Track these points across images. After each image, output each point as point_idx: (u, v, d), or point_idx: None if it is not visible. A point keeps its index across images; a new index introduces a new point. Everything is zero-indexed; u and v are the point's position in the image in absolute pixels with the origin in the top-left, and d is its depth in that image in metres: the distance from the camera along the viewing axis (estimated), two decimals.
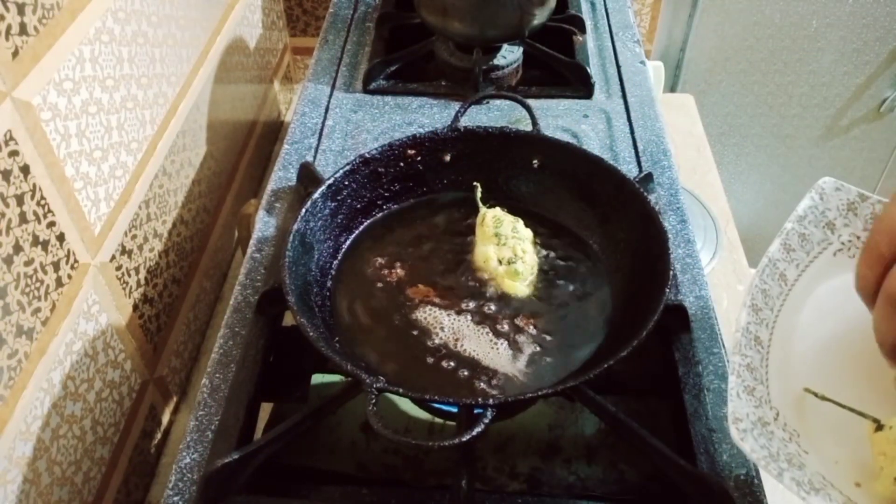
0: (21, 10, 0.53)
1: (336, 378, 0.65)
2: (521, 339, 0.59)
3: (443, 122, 0.85)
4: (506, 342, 0.58)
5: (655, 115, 0.86)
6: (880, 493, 0.43)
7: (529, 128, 0.72)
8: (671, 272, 0.56)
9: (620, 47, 0.98)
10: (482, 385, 0.56)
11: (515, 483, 0.58)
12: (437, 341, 0.58)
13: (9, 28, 0.52)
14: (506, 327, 0.59)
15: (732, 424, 0.43)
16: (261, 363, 0.61)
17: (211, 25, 0.92)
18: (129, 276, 0.72)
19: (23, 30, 0.54)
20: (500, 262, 0.63)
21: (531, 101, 0.74)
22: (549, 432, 0.62)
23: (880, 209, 0.52)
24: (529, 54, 0.93)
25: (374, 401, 0.49)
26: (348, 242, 0.67)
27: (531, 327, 0.59)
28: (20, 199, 0.54)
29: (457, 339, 0.58)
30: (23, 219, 0.55)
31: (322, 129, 0.85)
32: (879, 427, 0.45)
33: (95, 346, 0.66)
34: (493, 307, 0.61)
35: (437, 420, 0.63)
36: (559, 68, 0.91)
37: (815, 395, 0.48)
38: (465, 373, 0.56)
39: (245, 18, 1.06)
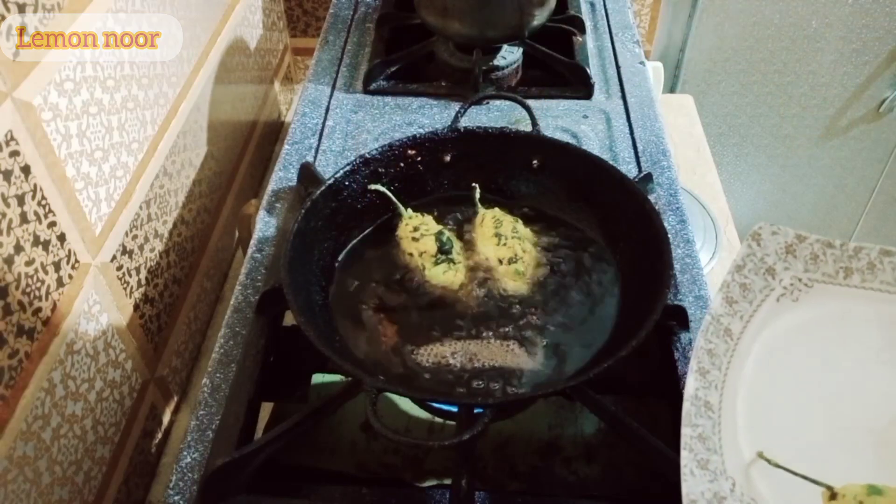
0: (22, 10, 0.53)
1: (336, 378, 0.65)
2: (529, 335, 0.59)
3: (443, 122, 0.86)
4: (516, 342, 0.58)
5: (655, 115, 0.86)
6: None
7: (529, 128, 0.72)
8: (671, 272, 0.56)
9: (620, 48, 0.99)
10: (513, 388, 0.56)
11: (515, 482, 0.59)
12: (455, 370, 0.57)
13: (9, 28, 0.52)
14: (511, 329, 0.59)
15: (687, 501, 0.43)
16: (261, 363, 0.61)
17: (211, 26, 0.92)
18: (130, 276, 0.72)
19: (23, 30, 0.54)
20: (500, 262, 0.64)
21: (531, 102, 0.75)
22: (549, 432, 0.62)
23: (819, 248, 0.52)
24: (529, 55, 0.93)
25: (373, 401, 0.49)
26: (348, 243, 0.67)
27: (535, 319, 0.59)
28: (21, 200, 0.54)
29: (470, 359, 0.58)
30: (24, 219, 0.55)
31: (322, 130, 0.85)
32: (833, 495, 0.44)
33: (96, 346, 0.66)
34: (493, 313, 0.61)
35: (437, 420, 0.63)
36: (559, 69, 0.91)
37: (769, 461, 0.47)
38: (496, 385, 0.56)
39: (245, 19, 1.06)
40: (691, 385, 0.47)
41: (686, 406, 0.46)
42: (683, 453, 0.45)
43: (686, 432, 0.46)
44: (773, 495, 0.45)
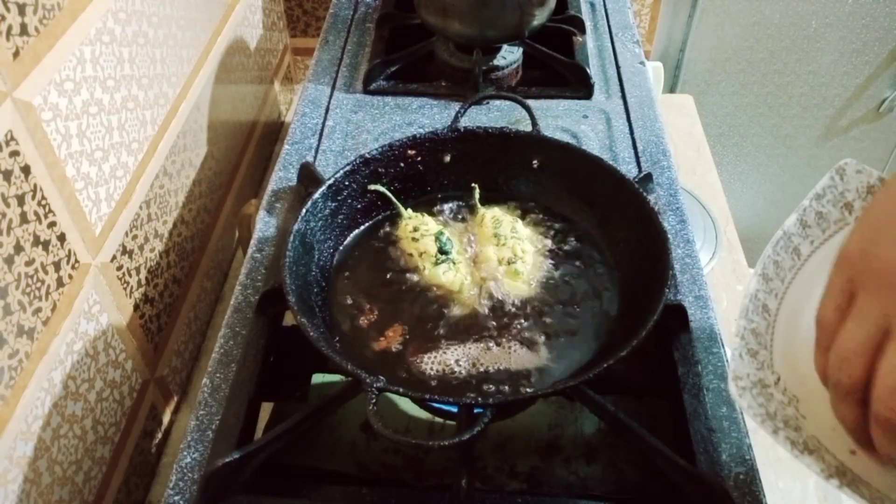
0: (22, 10, 0.53)
1: (336, 378, 0.65)
2: (530, 336, 0.59)
3: (443, 122, 0.86)
4: (518, 344, 0.58)
5: (655, 115, 0.86)
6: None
7: (529, 128, 0.72)
8: (671, 272, 0.56)
9: (620, 48, 0.99)
10: (524, 388, 0.56)
11: (515, 482, 0.59)
12: (461, 377, 0.57)
13: (10, 28, 0.52)
14: (512, 331, 0.59)
15: (732, 381, 0.43)
16: (261, 363, 0.61)
17: (211, 26, 0.92)
18: (130, 276, 0.72)
19: (24, 30, 0.54)
20: (499, 262, 0.64)
21: (531, 102, 0.74)
22: (549, 432, 0.62)
23: None
24: (529, 55, 0.93)
25: (374, 401, 0.49)
26: (348, 242, 0.67)
27: (535, 320, 0.59)
28: (21, 200, 0.54)
29: (474, 364, 0.58)
30: (24, 219, 0.55)
31: (322, 130, 0.85)
32: None
33: (96, 346, 0.66)
34: (493, 314, 0.61)
35: (437, 420, 0.63)
36: (559, 69, 0.91)
37: None
38: (505, 388, 0.56)
39: (245, 19, 1.06)
40: (753, 285, 0.48)
41: (745, 302, 0.47)
42: (736, 340, 0.46)
43: (741, 324, 0.47)
44: (818, 398, 0.46)
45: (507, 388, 0.56)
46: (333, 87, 0.92)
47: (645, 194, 0.63)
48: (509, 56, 0.92)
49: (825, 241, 0.51)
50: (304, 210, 0.62)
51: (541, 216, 0.69)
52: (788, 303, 0.49)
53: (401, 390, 0.53)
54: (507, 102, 0.87)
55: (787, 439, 0.42)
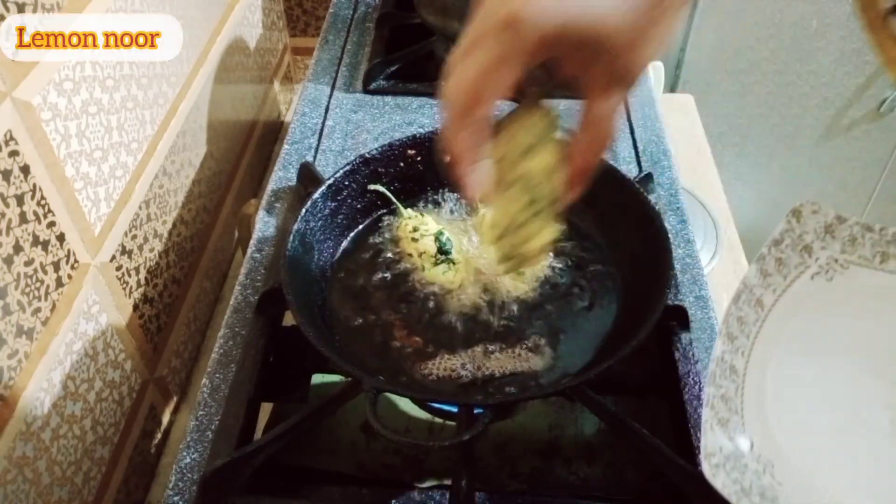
0: (21, 10, 0.53)
1: (336, 378, 0.65)
2: (530, 336, 0.59)
3: None
4: (519, 345, 0.58)
5: (655, 115, 0.86)
6: None
7: None
8: (671, 272, 0.56)
9: None
10: (524, 388, 0.56)
11: (515, 483, 0.58)
12: (466, 382, 0.56)
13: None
14: (512, 332, 0.59)
15: (705, 459, 0.43)
16: (261, 363, 0.61)
17: (211, 25, 0.92)
18: (130, 276, 0.72)
19: None
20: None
21: None
22: (549, 432, 0.62)
23: (858, 231, 0.52)
24: None
25: (373, 401, 0.49)
26: (348, 242, 0.67)
27: (535, 320, 0.59)
28: (20, 200, 0.54)
29: (479, 367, 0.57)
30: (23, 219, 0.55)
31: (322, 130, 0.85)
32: None
33: (95, 346, 0.66)
34: (494, 315, 0.61)
35: (437, 420, 0.63)
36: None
37: None
38: (507, 388, 0.56)
39: (245, 18, 1.06)
40: (718, 348, 0.48)
41: (711, 367, 0.47)
42: (705, 410, 0.45)
43: (710, 391, 0.46)
44: (792, 458, 0.46)
45: (507, 388, 0.55)
46: (333, 87, 0.92)
47: (645, 194, 0.63)
48: None
49: (787, 288, 0.51)
50: (303, 210, 0.62)
51: None
52: (756, 359, 0.49)
53: (400, 390, 0.53)
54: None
55: None
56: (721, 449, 0.44)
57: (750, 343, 0.49)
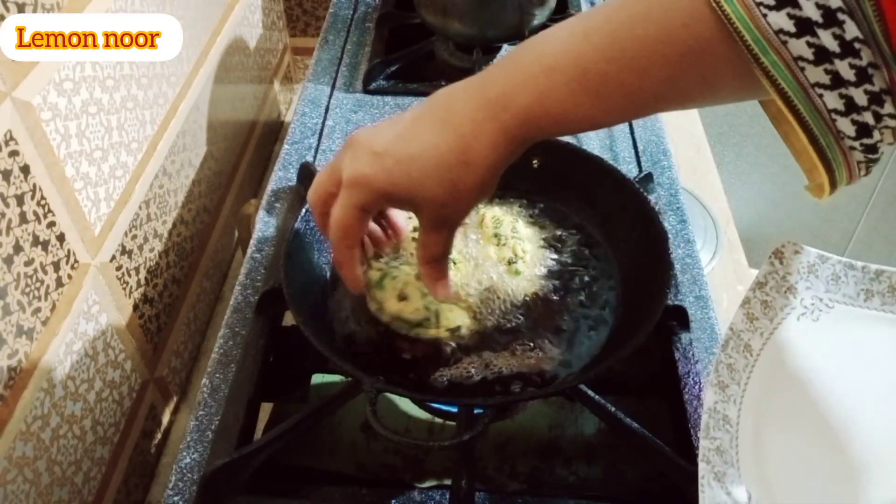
0: (21, 10, 0.53)
1: (336, 378, 0.65)
2: (530, 336, 0.58)
3: None
4: (518, 345, 0.58)
5: (655, 115, 0.86)
6: None
7: None
8: (671, 272, 0.56)
9: None
10: (524, 388, 0.55)
11: (515, 483, 0.58)
12: (475, 380, 0.56)
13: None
14: (512, 332, 0.59)
15: None
16: (261, 363, 0.61)
17: (211, 25, 0.92)
18: (130, 276, 0.72)
19: None
20: (500, 262, 0.63)
21: None
22: (549, 432, 0.62)
23: (841, 269, 0.52)
24: None
25: (373, 401, 0.49)
26: None
27: (535, 321, 0.59)
28: (20, 199, 0.54)
29: (487, 365, 0.57)
30: (23, 219, 0.55)
31: (322, 129, 0.85)
32: None
33: (95, 346, 0.66)
34: (494, 315, 0.61)
35: (437, 420, 0.63)
36: None
37: None
38: (508, 388, 0.55)
39: (245, 18, 1.06)
40: (710, 398, 0.48)
41: (704, 418, 0.47)
42: (701, 465, 0.45)
43: (704, 444, 0.46)
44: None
45: (508, 388, 0.55)
46: (333, 87, 0.92)
47: (645, 194, 0.63)
48: None
49: (774, 330, 0.51)
50: (303, 210, 0.62)
51: (541, 216, 0.69)
52: (748, 406, 0.49)
53: (400, 391, 0.53)
54: None
55: None
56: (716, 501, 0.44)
57: (741, 390, 0.49)
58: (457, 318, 0.57)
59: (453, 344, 0.57)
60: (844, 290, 0.52)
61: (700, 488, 0.44)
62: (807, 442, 0.48)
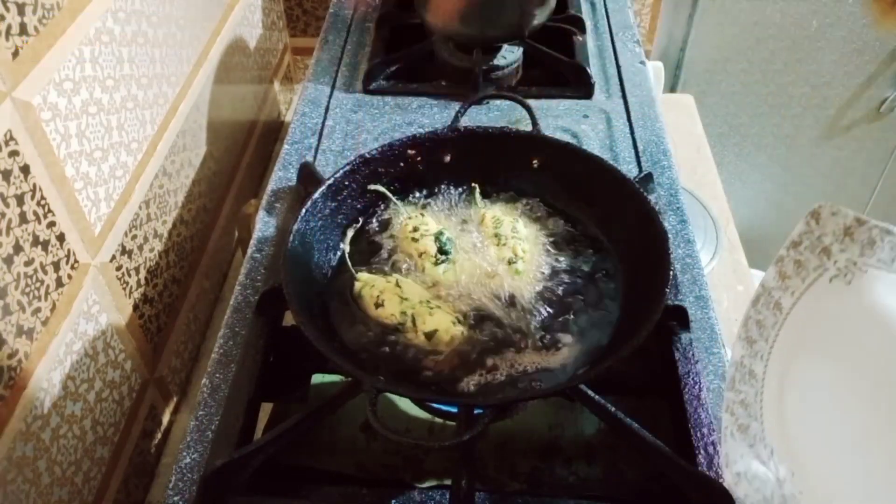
0: (21, 10, 0.53)
1: (336, 378, 0.65)
2: (529, 336, 0.59)
3: (443, 122, 0.85)
4: (517, 344, 0.58)
5: (655, 115, 0.86)
6: None
7: (529, 128, 0.72)
8: (671, 272, 0.56)
9: (620, 47, 0.98)
10: (524, 388, 0.56)
11: (515, 483, 0.58)
12: (475, 381, 0.56)
13: (9, 28, 0.52)
14: (511, 332, 0.59)
15: (726, 468, 0.43)
16: (261, 363, 0.61)
17: (211, 26, 0.92)
18: (130, 276, 0.72)
19: (23, 30, 0.54)
20: (500, 262, 0.63)
21: (531, 102, 0.74)
22: (549, 432, 0.62)
23: (878, 234, 0.52)
24: (529, 54, 0.93)
25: (374, 401, 0.49)
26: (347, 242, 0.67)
27: (535, 321, 0.59)
28: (20, 199, 0.54)
29: (486, 366, 0.57)
30: (23, 219, 0.55)
31: (322, 129, 0.85)
32: None
33: (95, 346, 0.66)
34: (494, 315, 0.61)
35: (437, 420, 0.63)
36: (559, 68, 0.91)
37: None
38: (509, 388, 0.56)
39: (245, 19, 1.06)
40: (738, 352, 0.47)
41: (731, 371, 0.47)
42: (725, 416, 0.45)
43: (729, 396, 0.46)
44: (811, 465, 0.45)
45: (508, 389, 0.55)
46: (333, 87, 0.92)
47: (645, 194, 0.63)
48: (509, 56, 0.92)
49: (806, 291, 0.50)
50: (303, 210, 0.62)
51: (541, 216, 0.69)
52: (775, 363, 0.49)
53: (400, 391, 0.53)
54: (508, 102, 0.87)
55: None
56: (742, 456, 0.44)
57: (769, 347, 0.49)
58: (434, 323, 0.58)
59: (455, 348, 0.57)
60: (879, 255, 0.51)
61: (723, 439, 0.44)
62: (832, 402, 0.48)
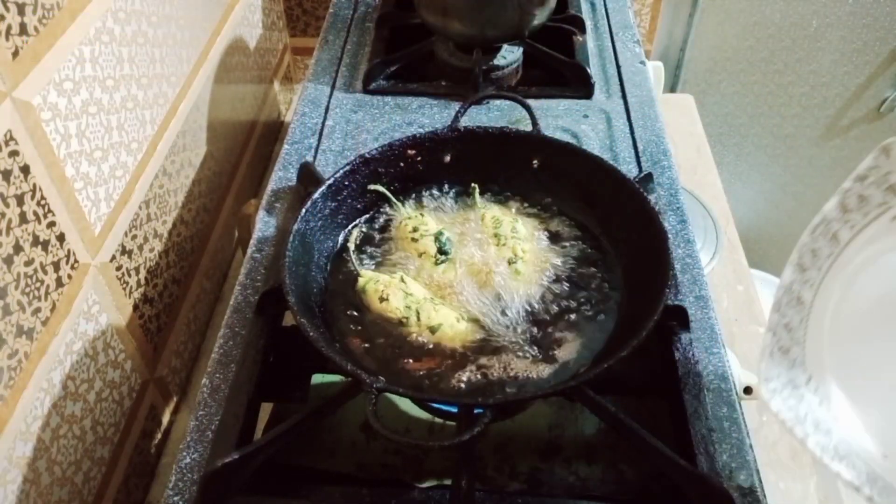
0: (21, 10, 0.53)
1: (336, 378, 0.65)
2: (529, 336, 0.59)
3: (443, 122, 0.85)
4: (518, 344, 0.58)
5: (655, 115, 0.86)
6: None
7: (529, 128, 0.72)
8: (671, 272, 0.56)
9: (620, 47, 0.98)
10: (525, 388, 0.56)
11: (515, 483, 0.58)
12: (475, 381, 0.56)
13: (9, 28, 0.52)
14: (511, 331, 0.59)
15: (763, 383, 0.42)
16: (261, 363, 0.61)
17: (211, 25, 0.92)
18: (130, 276, 0.72)
19: (23, 30, 0.54)
20: (499, 262, 0.63)
21: (531, 102, 0.74)
22: (549, 432, 0.62)
23: None
24: (529, 54, 0.93)
25: (374, 401, 0.49)
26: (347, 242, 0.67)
27: (535, 321, 0.59)
28: (20, 200, 0.54)
29: (486, 367, 0.57)
30: (23, 219, 0.55)
31: (322, 129, 0.85)
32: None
33: (95, 346, 0.66)
34: (494, 315, 0.61)
35: (437, 420, 0.63)
36: (559, 68, 0.91)
37: None
38: (509, 388, 0.56)
39: (245, 18, 1.06)
40: (788, 276, 0.47)
41: (779, 294, 0.46)
42: (768, 335, 0.45)
43: (774, 318, 0.45)
44: (848, 398, 0.45)
45: (508, 389, 0.55)
46: (333, 87, 0.92)
47: (645, 194, 0.63)
48: (509, 55, 0.92)
49: (866, 226, 0.48)
50: (303, 210, 0.62)
51: (541, 216, 0.69)
52: (824, 293, 0.48)
53: (401, 391, 0.53)
54: (508, 102, 0.87)
55: (817, 444, 0.41)
56: (778, 375, 0.44)
57: (821, 276, 0.48)
58: (439, 318, 0.58)
59: (457, 347, 0.57)
60: None
61: (761, 357, 0.44)
62: (880, 338, 0.47)
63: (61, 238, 0.60)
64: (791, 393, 0.43)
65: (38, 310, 0.57)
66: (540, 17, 0.88)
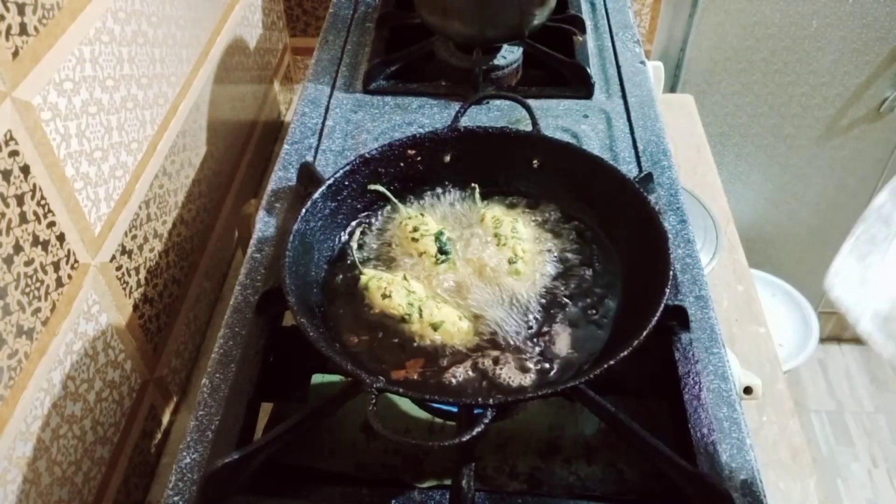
0: (21, 10, 0.53)
1: (336, 378, 0.65)
2: (529, 336, 0.59)
3: (443, 122, 0.85)
4: (518, 344, 0.58)
5: (655, 115, 0.86)
6: None
7: (529, 128, 0.72)
8: (671, 272, 0.56)
9: (620, 47, 0.98)
10: (525, 388, 0.56)
11: (515, 483, 0.58)
12: (475, 381, 0.56)
13: (9, 28, 0.52)
14: (511, 332, 0.59)
15: (832, 275, 0.44)
16: (261, 363, 0.61)
17: (211, 25, 0.92)
18: (130, 276, 0.72)
19: (23, 30, 0.54)
20: (499, 261, 0.63)
21: (531, 102, 0.74)
22: (549, 432, 0.62)
23: None
24: (529, 54, 0.93)
25: (374, 401, 0.49)
26: (347, 242, 0.67)
27: (535, 320, 0.59)
28: (20, 200, 0.54)
29: (486, 366, 0.57)
30: (23, 219, 0.55)
31: (322, 129, 0.85)
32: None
33: (95, 346, 0.66)
34: (493, 316, 0.61)
35: (437, 420, 0.63)
36: (559, 68, 0.91)
37: None
38: (518, 387, 0.56)
39: (245, 18, 1.06)
40: (882, 196, 0.48)
41: (866, 212, 0.47)
42: (849, 240, 0.46)
43: (860, 227, 0.46)
44: None
45: (509, 389, 0.55)
46: (333, 87, 0.92)
47: (645, 194, 0.63)
48: (509, 55, 0.92)
49: None
50: (303, 210, 0.62)
51: (541, 216, 0.69)
52: None
53: (400, 391, 0.53)
54: (508, 102, 0.87)
55: (865, 331, 0.42)
56: (849, 269, 0.45)
57: None
58: (441, 315, 0.58)
59: (457, 346, 0.57)
60: None
61: (838, 255, 0.45)
62: None
63: (61, 238, 0.60)
64: (856, 288, 0.44)
65: (38, 310, 0.57)
66: (540, 17, 0.88)
